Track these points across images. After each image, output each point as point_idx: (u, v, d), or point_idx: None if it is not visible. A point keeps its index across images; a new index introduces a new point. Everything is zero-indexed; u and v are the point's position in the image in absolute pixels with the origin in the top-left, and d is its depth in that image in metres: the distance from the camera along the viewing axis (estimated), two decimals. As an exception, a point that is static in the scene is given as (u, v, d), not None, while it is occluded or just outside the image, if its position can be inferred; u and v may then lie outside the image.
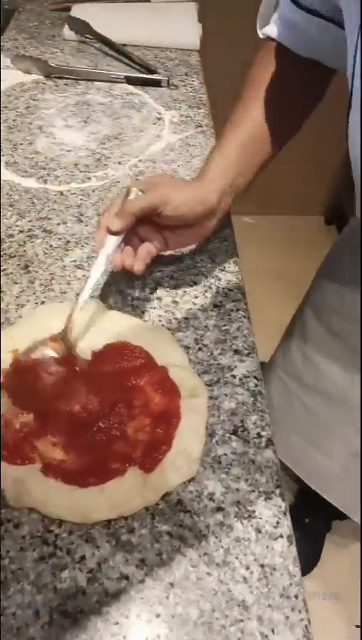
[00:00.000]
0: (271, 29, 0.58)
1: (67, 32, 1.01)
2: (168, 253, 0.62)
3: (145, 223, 0.52)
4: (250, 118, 0.57)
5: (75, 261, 0.60)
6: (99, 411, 0.44)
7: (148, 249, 0.53)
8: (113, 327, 0.52)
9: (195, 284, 0.60)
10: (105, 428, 0.43)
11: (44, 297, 0.56)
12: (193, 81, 0.95)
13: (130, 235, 0.52)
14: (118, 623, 0.36)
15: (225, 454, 0.45)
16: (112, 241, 0.50)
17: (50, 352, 0.48)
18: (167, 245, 0.55)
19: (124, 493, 0.40)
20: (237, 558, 0.39)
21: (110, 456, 0.42)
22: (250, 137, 0.56)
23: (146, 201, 0.49)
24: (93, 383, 0.46)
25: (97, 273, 0.50)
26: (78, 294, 0.57)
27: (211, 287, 0.59)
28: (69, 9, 1.06)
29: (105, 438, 0.43)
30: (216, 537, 0.40)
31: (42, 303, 0.55)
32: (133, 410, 0.45)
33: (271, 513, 0.41)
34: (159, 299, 0.58)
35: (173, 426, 0.44)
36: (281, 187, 1.79)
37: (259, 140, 0.57)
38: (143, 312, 0.56)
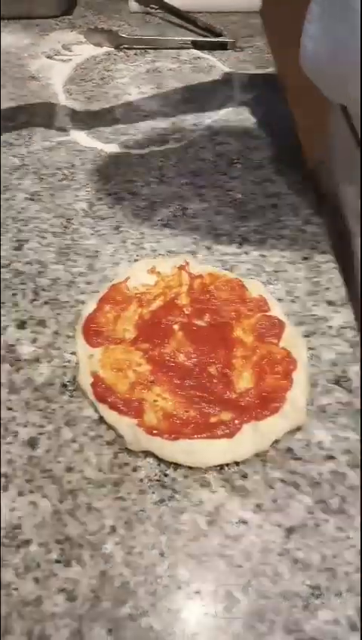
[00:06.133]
0: None
1: (132, 4, 0.94)
2: (250, 207, 0.57)
3: None
4: None
5: (161, 220, 0.56)
6: (204, 362, 0.40)
7: None
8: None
9: (281, 237, 0.54)
10: (213, 378, 0.40)
11: (137, 255, 0.52)
12: (258, 42, 0.86)
13: None
14: (241, 566, 0.33)
15: (330, 404, 0.40)
16: None
17: None
18: None
19: (236, 437, 0.36)
20: (354, 506, 0.35)
21: (219, 407, 0.38)
22: None
23: None
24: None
25: None
26: (168, 251, 0.53)
27: (297, 240, 0.53)
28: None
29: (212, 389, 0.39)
30: (330, 485, 0.36)
31: (135, 260, 0.52)
32: (238, 360, 0.41)
33: (385, 462, 0.37)
34: (246, 253, 0.52)
35: (288, 376, 0.39)
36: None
37: None
38: (232, 267, 0.51)
